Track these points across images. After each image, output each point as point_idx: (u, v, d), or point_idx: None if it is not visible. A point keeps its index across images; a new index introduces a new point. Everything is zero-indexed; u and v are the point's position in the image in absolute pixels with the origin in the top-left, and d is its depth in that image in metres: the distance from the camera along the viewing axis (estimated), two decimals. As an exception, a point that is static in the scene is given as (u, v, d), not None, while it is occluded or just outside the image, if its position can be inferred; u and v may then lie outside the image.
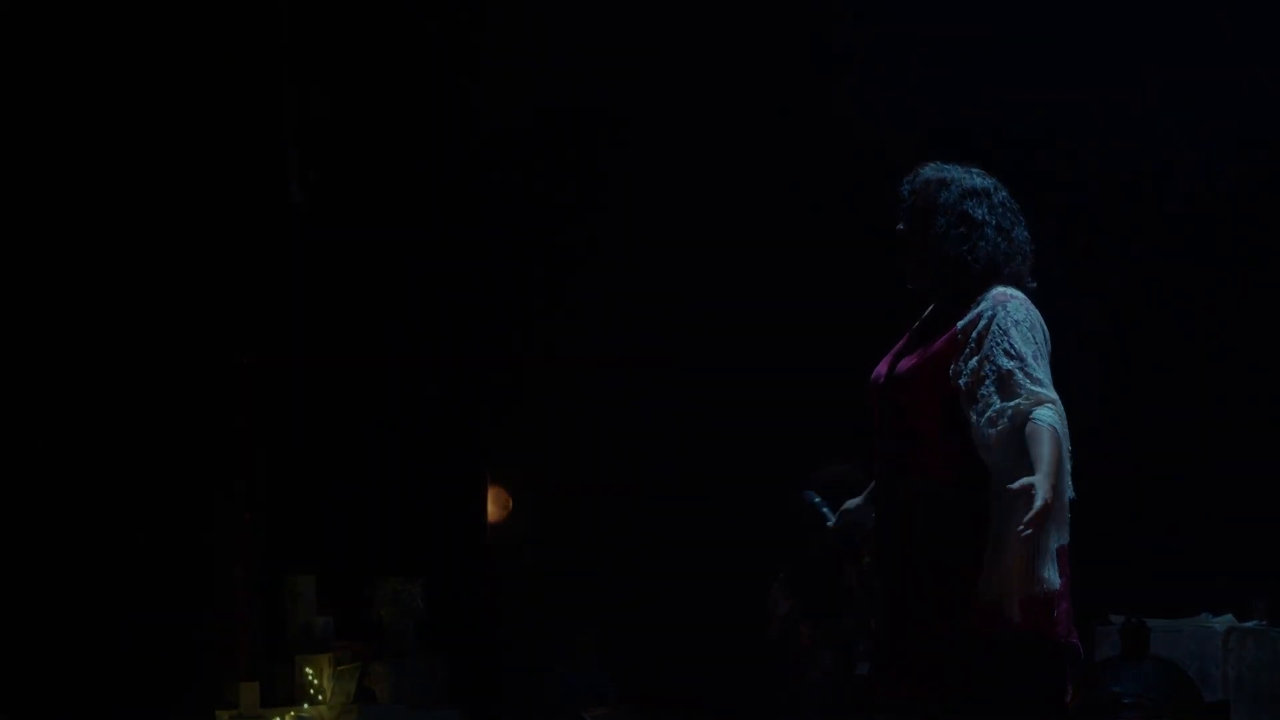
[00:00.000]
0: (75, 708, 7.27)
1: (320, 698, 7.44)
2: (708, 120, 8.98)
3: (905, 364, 4.22)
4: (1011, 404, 4.01)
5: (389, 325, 8.46)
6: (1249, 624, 7.48)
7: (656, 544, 9.06)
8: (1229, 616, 7.51)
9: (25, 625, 7.35)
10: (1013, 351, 4.06)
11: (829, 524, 4.48)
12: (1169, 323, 8.29)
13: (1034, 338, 4.11)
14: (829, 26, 8.77)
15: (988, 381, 4.06)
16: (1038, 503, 3.84)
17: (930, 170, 4.31)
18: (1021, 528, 3.86)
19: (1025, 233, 4.28)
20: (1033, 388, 4.02)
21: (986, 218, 4.24)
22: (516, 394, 9.05)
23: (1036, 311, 4.18)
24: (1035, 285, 4.26)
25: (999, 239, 4.24)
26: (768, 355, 8.89)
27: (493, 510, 8.93)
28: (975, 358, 4.08)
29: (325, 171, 8.28)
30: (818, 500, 4.48)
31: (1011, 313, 4.11)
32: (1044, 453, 3.93)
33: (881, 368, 4.31)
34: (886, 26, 8.59)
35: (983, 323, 4.11)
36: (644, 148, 9.03)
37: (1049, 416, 3.99)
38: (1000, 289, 4.18)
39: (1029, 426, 3.98)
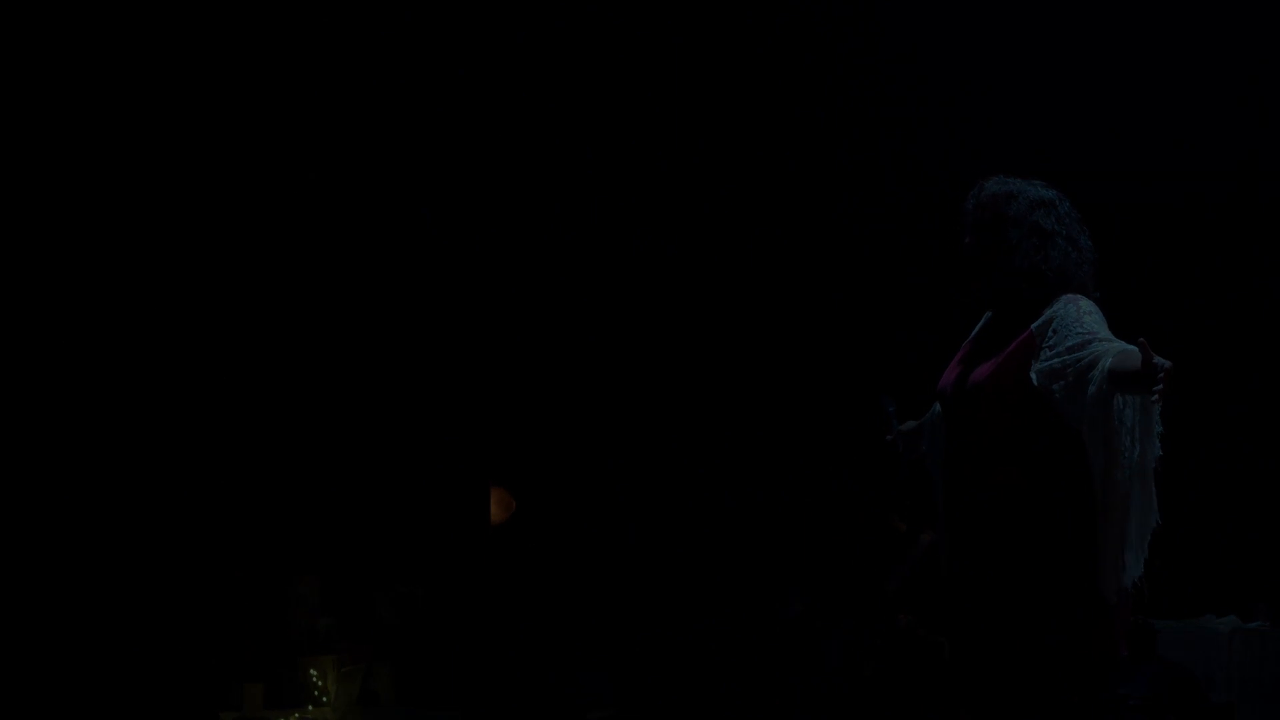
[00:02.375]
0: (79, 709, 7.27)
1: (324, 699, 7.45)
2: (709, 123, 8.99)
3: (980, 372, 4.22)
4: (1089, 353, 4.03)
5: (391, 324, 8.47)
6: (1253, 625, 7.48)
7: (659, 545, 9.06)
8: (1232, 618, 7.51)
9: (29, 627, 7.35)
10: (1086, 331, 4.08)
11: (889, 436, 4.52)
12: (1170, 324, 8.29)
13: (1105, 325, 4.13)
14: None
15: (1070, 360, 4.08)
16: (1166, 363, 3.83)
17: (995, 184, 4.32)
18: (1155, 399, 3.85)
19: (1089, 241, 4.29)
20: (1111, 343, 4.04)
21: (1056, 228, 4.26)
22: (518, 393, 9.05)
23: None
24: (1100, 295, 4.28)
25: (1069, 248, 4.26)
26: (772, 356, 8.89)
27: (495, 511, 8.92)
28: (1053, 352, 4.10)
29: (324, 171, 8.30)
30: (892, 410, 4.55)
31: (1083, 308, 4.15)
32: (1139, 354, 3.91)
33: (949, 378, 4.31)
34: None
35: (1056, 320, 4.13)
36: (642, 149, 9.03)
37: (1131, 347, 3.99)
38: (1068, 295, 4.21)
39: (1115, 360, 3.98)
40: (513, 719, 8.74)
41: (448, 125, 8.80)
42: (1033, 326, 4.18)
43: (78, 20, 7.74)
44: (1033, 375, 4.13)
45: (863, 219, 8.76)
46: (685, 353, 9.06)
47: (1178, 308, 8.33)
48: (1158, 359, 3.81)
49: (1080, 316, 4.12)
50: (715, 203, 8.99)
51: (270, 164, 8.20)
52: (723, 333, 9.01)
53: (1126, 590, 4.08)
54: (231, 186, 8.09)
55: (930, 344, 7.72)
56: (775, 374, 8.94)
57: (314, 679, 7.48)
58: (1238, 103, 8.22)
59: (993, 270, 4.27)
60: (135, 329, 7.82)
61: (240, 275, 8.04)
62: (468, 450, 8.75)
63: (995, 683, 4.19)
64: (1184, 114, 8.22)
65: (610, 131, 9.08)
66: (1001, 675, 4.18)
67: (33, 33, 7.65)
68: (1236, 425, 8.17)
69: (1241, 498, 8.07)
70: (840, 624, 7.19)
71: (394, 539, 8.23)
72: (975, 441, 4.23)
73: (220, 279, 7.97)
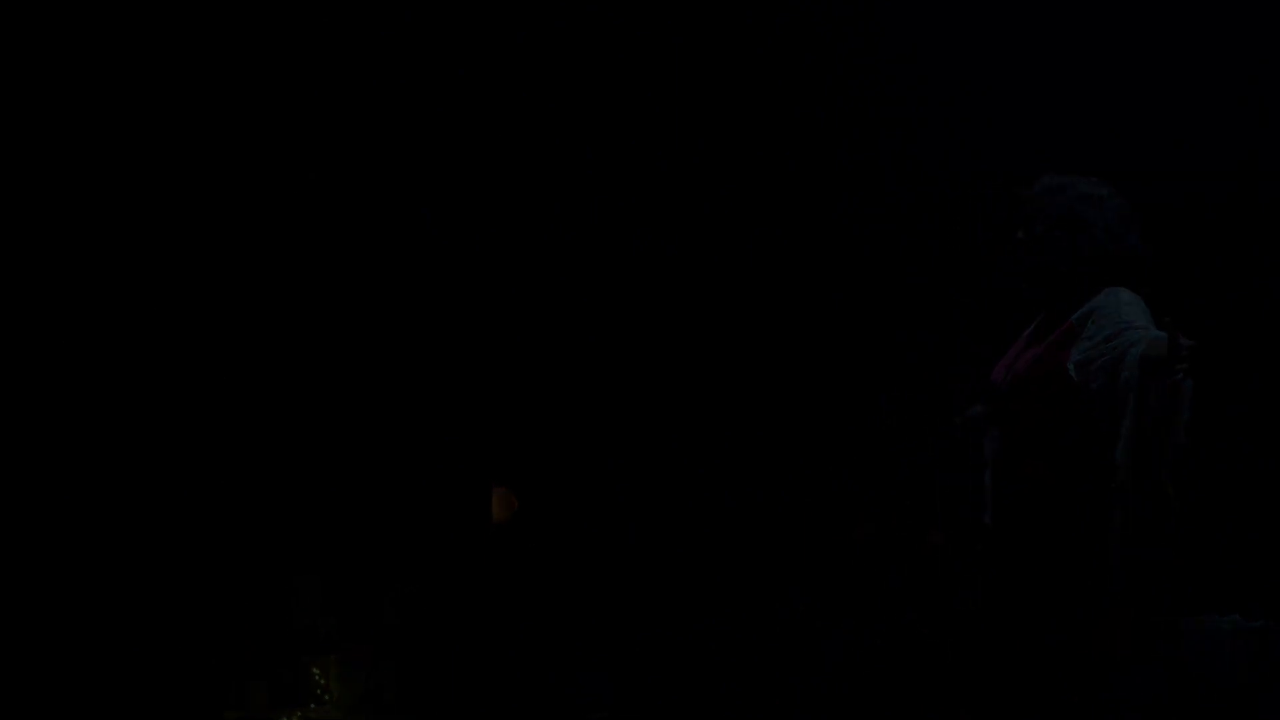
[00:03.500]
0: (80, 709, 7.27)
1: (327, 698, 7.45)
2: (709, 123, 8.98)
3: (1022, 364, 4.27)
4: (1122, 341, 4.06)
5: (391, 324, 8.47)
6: (1255, 624, 7.47)
7: (659, 545, 9.05)
8: (1235, 616, 7.50)
9: (29, 627, 7.34)
10: (1123, 321, 4.12)
11: (958, 419, 4.56)
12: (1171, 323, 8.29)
13: (1147, 316, 4.17)
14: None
15: (1106, 349, 4.12)
16: (1189, 342, 3.88)
17: (1047, 179, 4.42)
18: (1181, 378, 3.90)
19: (1138, 239, 4.34)
20: (1146, 331, 4.08)
21: (1098, 221, 4.31)
22: (519, 393, 9.04)
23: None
24: (1148, 291, 4.31)
25: (1108, 242, 4.30)
26: (772, 357, 8.89)
27: (498, 510, 8.91)
28: (1090, 343, 4.14)
29: (324, 171, 8.29)
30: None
31: (1123, 299, 4.19)
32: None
33: (999, 371, 4.35)
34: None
35: (1097, 311, 4.18)
36: (642, 149, 9.03)
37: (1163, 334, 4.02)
38: (1112, 287, 4.26)
39: (1146, 347, 4.02)
40: (513, 719, 8.73)
41: (448, 125, 8.79)
42: (1073, 317, 4.23)
43: (76, 19, 7.74)
44: (1070, 367, 4.17)
45: (863, 219, 8.76)
46: (685, 353, 9.05)
47: (1178, 308, 8.31)
48: (1182, 339, 3.86)
49: (1119, 307, 4.18)
50: (715, 203, 8.99)
51: (270, 164, 8.19)
52: (723, 333, 9.00)
53: (1137, 587, 4.10)
54: (231, 186, 8.08)
55: (930, 344, 7.73)
56: (775, 374, 8.93)
57: (316, 678, 7.49)
58: (1238, 103, 8.22)
59: (1039, 263, 4.34)
60: (135, 328, 7.82)
61: (240, 274, 8.04)
62: (469, 450, 8.74)
63: (996, 681, 4.22)
64: (1184, 114, 8.22)
65: (610, 131, 9.06)
66: (1002, 674, 4.20)
67: (32, 32, 7.65)
68: (1236, 425, 8.16)
69: (1241, 498, 8.06)
70: (840, 624, 7.19)
71: (396, 538, 8.24)
72: (1011, 434, 4.27)
73: (220, 278, 7.97)
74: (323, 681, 7.46)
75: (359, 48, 8.49)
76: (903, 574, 6.62)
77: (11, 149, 7.64)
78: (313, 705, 7.37)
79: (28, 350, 7.58)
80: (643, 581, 9.06)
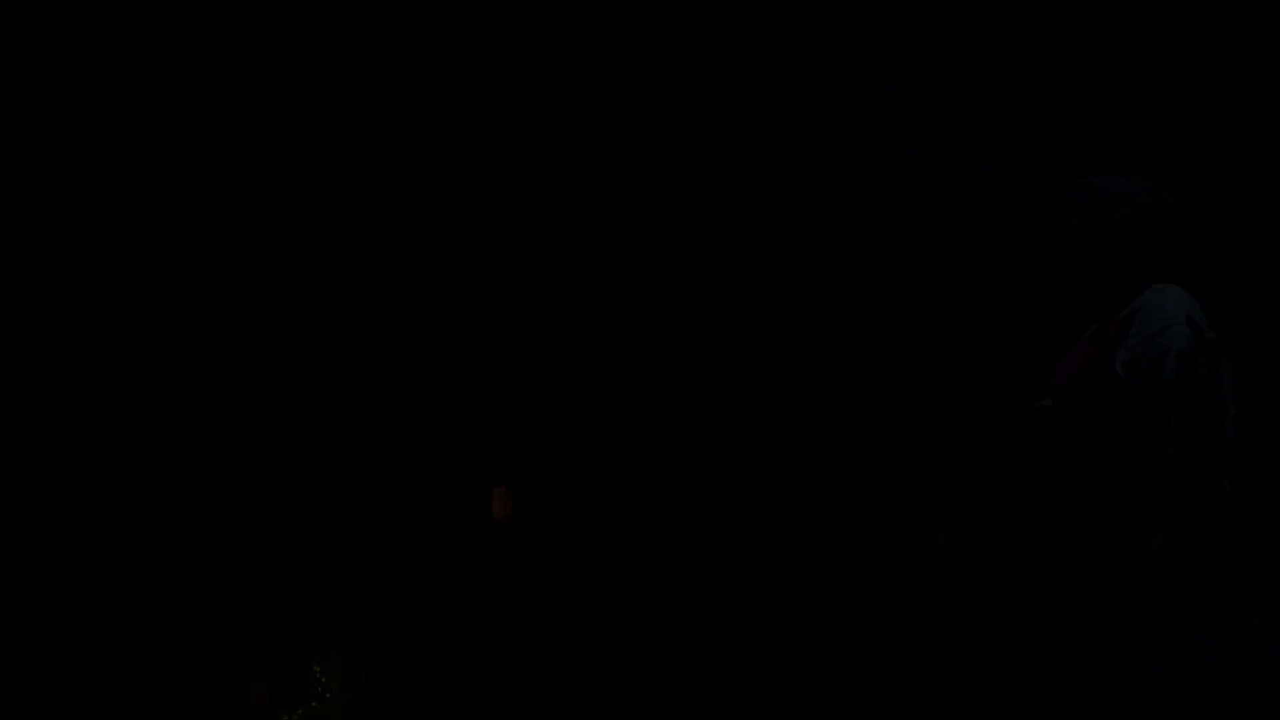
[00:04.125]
0: (80, 709, 7.27)
1: (328, 696, 7.46)
2: (709, 123, 8.99)
3: (1069, 365, 4.29)
4: (1165, 338, 4.08)
5: (391, 324, 8.47)
6: (1255, 624, 7.46)
7: (659, 545, 9.05)
8: (1235, 616, 7.49)
9: (28, 626, 7.35)
10: (1167, 317, 4.14)
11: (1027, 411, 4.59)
12: (1191, 318, 8.29)
13: (1192, 310, 4.19)
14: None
15: (1151, 345, 4.14)
16: (1212, 335, 3.92)
17: (1081, 179, 4.43)
18: (1205, 372, 3.93)
19: (1173, 237, 4.37)
20: (1188, 326, 4.11)
21: (1132, 220, 4.33)
22: (519, 393, 9.04)
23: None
24: (1180, 286, 4.33)
25: (1143, 241, 4.33)
26: (772, 356, 8.89)
27: (498, 509, 8.91)
28: (1135, 339, 4.16)
29: (324, 171, 8.30)
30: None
31: (1170, 295, 4.22)
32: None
33: (1059, 374, 4.38)
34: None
35: (1142, 308, 4.21)
36: (642, 149, 9.03)
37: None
38: (1158, 284, 4.29)
39: (1185, 342, 4.04)
40: (513, 719, 8.73)
41: (448, 125, 8.79)
42: (1120, 316, 4.25)
43: (77, 18, 7.75)
44: (1118, 365, 4.20)
45: (863, 219, 8.76)
46: (685, 352, 9.05)
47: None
48: (1206, 333, 3.89)
49: (1163, 303, 4.21)
50: (715, 203, 8.99)
51: (270, 164, 8.20)
52: (722, 333, 9.00)
53: (1156, 583, 4.12)
54: (230, 186, 8.09)
55: (930, 344, 7.73)
56: (775, 374, 8.94)
57: (317, 676, 7.50)
58: (1238, 103, 8.22)
59: (1080, 264, 4.37)
60: (134, 327, 7.83)
61: (240, 274, 8.05)
62: (469, 450, 8.74)
63: (996, 681, 4.23)
64: (1184, 114, 8.22)
65: (610, 131, 9.06)
66: (1002, 674, 4.21)
67: (32, 31, 7.66)
68: (1237, 425, 8.16)
69: (1241, 498, 8.06)
70: (840, 624, 7.19)
71: (396, 538, 8.24)
72: (1068, 433, 4.30)
73: (219, 277, 7.98)
74: (324, 680, 7.47)
75: (359, 47, 8.50)
76: (903, 574, 6.63)
77: (11, 149, 7.65)
78: (314, 704, 7.39)
79: (27, 349, 7.59)
80: (642, 582, 9.06)
